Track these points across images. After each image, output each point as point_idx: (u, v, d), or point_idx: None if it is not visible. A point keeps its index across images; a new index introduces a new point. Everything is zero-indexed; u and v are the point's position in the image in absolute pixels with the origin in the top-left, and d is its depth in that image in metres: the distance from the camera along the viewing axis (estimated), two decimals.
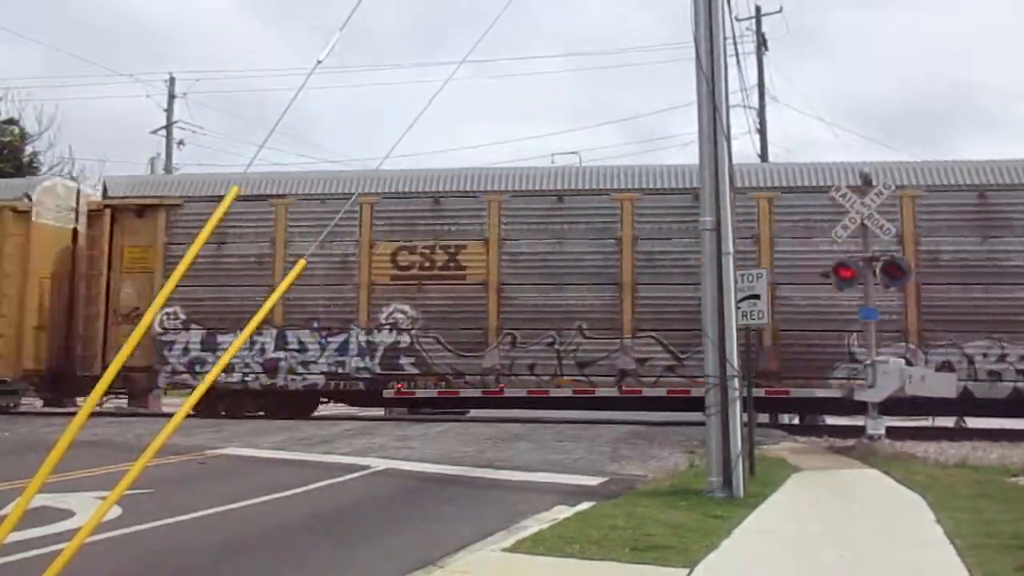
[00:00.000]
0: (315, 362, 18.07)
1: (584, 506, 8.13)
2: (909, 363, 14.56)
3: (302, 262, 4.50)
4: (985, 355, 16.39)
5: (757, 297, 10.70)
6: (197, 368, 18.25)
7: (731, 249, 9.09)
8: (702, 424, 9.31)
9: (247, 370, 18.11)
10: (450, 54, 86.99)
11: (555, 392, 17.49)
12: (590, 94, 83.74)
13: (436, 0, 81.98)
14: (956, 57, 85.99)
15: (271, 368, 18.09)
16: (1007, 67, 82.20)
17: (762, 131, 29.44)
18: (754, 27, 30.03)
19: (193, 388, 17.55)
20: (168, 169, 34.18)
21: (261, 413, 18.52)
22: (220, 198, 19.04)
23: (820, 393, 16.72)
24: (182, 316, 18.41)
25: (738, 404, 9.02)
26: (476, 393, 17.85)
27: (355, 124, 76.65)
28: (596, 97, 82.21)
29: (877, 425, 13.20)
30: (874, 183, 13.77)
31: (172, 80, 35.56)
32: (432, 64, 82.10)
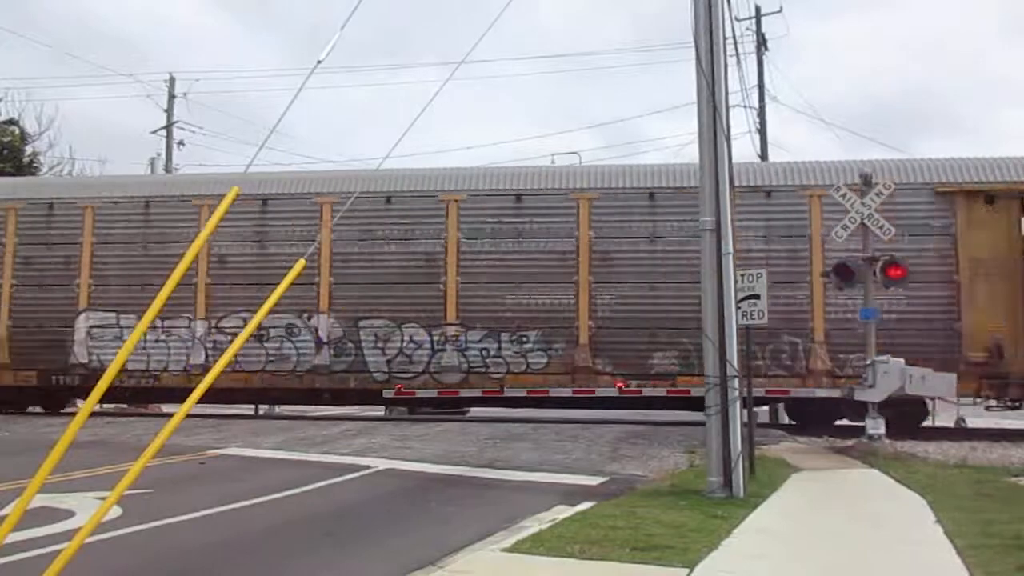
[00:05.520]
0: None
1: (584, 506, 8.13)
2: None
3: (302, 262, 4.50)
4: None
5: (757, 297, 10.70)
6: None
7: (731, 249, 9.09)
8: (702, 424, 9.31)
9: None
10: (415, 56, 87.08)
11: (555, 392, 17.47)
12: (572, 98, 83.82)
13: (401, 3, 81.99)
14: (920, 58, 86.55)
15: None
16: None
17: (762, 131, 29.42)
18: (754, 27, 30.01)
19: None
20: (168, 169, 34.16)
21: None
22: None
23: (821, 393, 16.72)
24: None
25: (738, 404, 9.03)
26: (476, 393, 17.84)
27: (327, 124, 76.85)
28: (578, 100, 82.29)
29: (877, 425, 13.21)
30: (874, 182, 13.77)
31: (172, 80, 35.53)
32: (399, 67, 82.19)
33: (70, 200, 19.11)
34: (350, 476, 10.40)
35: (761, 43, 29.96)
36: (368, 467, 11.02)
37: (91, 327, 18.43)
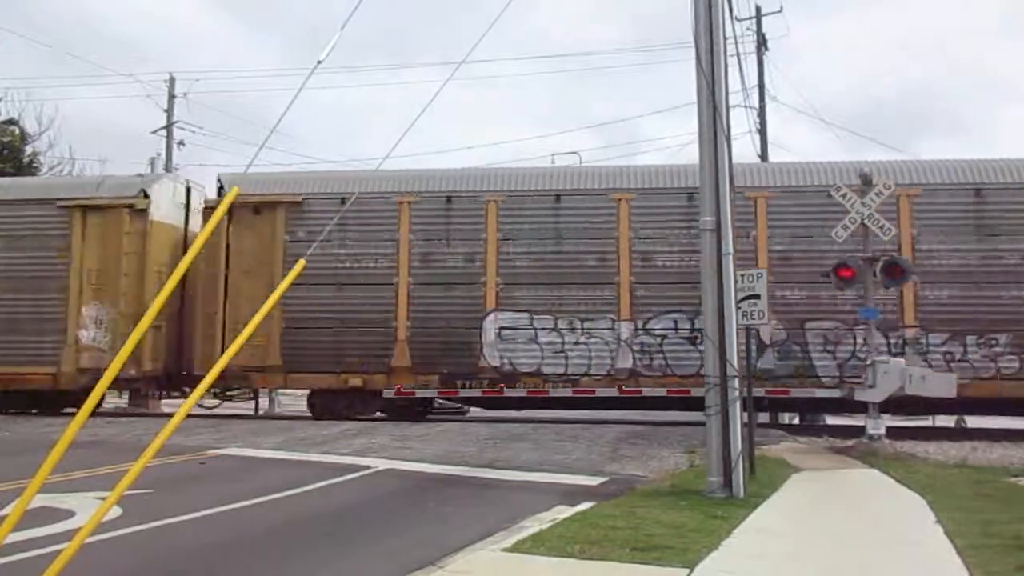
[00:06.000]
0: None
1: (584, 506, 8.13)
2: None
3: (302, 262, 4.49)
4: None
5: (757, 297, 10.70)
6: None
7: (731, 249, 9.08)
8: (702, 424, 9.31)
9: None
10: (415, 56, 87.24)
11: (555, 392, 17.45)
12: (572, 98, 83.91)
13: (401, 3, 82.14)
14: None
15: None
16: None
17: (762, 131, 29.43)
18: (754, 27, 30.00)
19: None
20: (168, 169, 34.15)
21: None
22: None
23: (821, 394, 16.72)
24: None
25: (738, 404, 9.03)
26: (476, 393, 17.76)
27: (327, 124, 77.01)
28: (578, 100, 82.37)
29: (877, 425, 13.20)
30: (874, 182, 13.78)
31: (172, 80, 35.57)
32: (399, 67, 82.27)
33: (471, 194, 17.87)
34: (350, 476, 10.40)
35: (761, 43, 29.97)
36: (368, 467, 11.02)
37: (500, 328, 17.36)
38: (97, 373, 17.94)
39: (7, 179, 22.93)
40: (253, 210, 18.32)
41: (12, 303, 18.55)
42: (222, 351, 17.34)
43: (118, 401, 21.64)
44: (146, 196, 18.74)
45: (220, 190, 18.78)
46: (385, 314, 17.67)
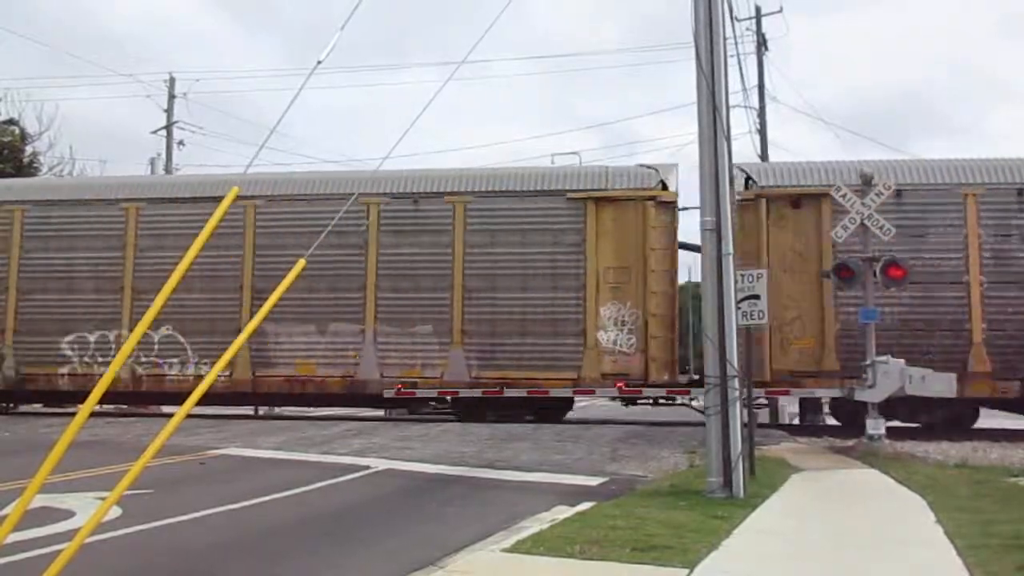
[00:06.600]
0: None
1: (584, 506, 8.13)
2: None
3: (302, 262, 4.48)
4: None
5: (757, 297, 10.71)
6: None
7: (731, 249, 9.08)
8: (702, 424, 9.31)
9: None
10: (416, 57, 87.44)
11: (555, 392, 17.44)
12: (571, 98, 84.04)
13: (401, 3, 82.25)
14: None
15: None
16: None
17: (762, 131, 29.42)
18: (754, 27, 30.00)
19: None
20: (168, 169, 34.16)
21: None
22: None
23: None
24: None
25: (738, 404, 9.03)
26: (476, 393, 17.72)
27: (327, 125, 77.11)
28: (578, 101, 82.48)
29: (877, 425, 13.20)
30: (874, 182, 13.78)
31: (172, 80, 35.58)
32: (399, 67, 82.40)
33: (945, 187, 16.52)
34: (350, 476, 10.40)
35: (761, 43, 29.97)
36: (368, 467, 11.02)
37: None
38: (621, 379, 17.09)
39: (517, 168, 19.97)
40: (791, 203, 17.04)
41: (524, 303, 17.45)
42: (770, 354, 16.42)
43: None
44: (665, 187, 17.54)
45: (748, 181, 17.36)
46: (956, 315, 16.26)
